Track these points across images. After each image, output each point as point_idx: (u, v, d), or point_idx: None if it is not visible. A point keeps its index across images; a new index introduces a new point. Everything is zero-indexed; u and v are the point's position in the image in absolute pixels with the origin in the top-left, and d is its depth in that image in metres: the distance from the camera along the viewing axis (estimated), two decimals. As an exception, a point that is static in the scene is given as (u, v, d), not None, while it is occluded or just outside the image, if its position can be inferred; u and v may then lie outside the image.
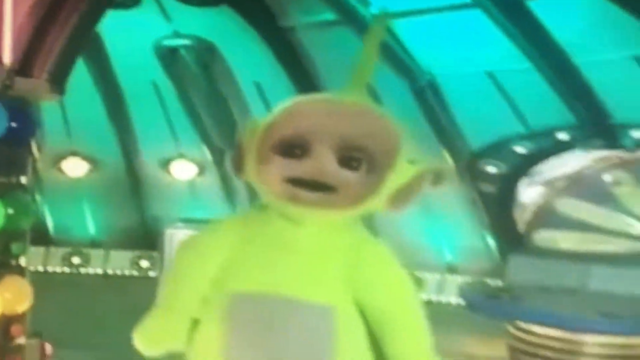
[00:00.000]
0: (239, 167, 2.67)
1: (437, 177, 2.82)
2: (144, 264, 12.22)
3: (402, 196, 2.61)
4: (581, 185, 10.05)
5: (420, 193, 2.64)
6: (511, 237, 10.44)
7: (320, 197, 2.51)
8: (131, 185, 12.45)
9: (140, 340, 2.73)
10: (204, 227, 2.82)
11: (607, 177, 9.99)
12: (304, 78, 9.84)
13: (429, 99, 10.29)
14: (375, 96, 10.47)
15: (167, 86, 11.72)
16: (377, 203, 2.58)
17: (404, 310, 2.68)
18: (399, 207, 2.62)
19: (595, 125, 9.44)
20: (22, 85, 3.84)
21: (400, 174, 2.56)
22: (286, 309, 2.52)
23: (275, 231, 2.60)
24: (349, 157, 2.51)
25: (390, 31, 9.69)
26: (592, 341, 6.80)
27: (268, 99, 10.59)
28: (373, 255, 2.68)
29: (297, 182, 2.51)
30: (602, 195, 9.87)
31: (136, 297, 9.51)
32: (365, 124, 2.56)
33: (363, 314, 2.64)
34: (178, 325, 2.68)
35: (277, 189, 2.54)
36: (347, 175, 2.51)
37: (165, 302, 2.73)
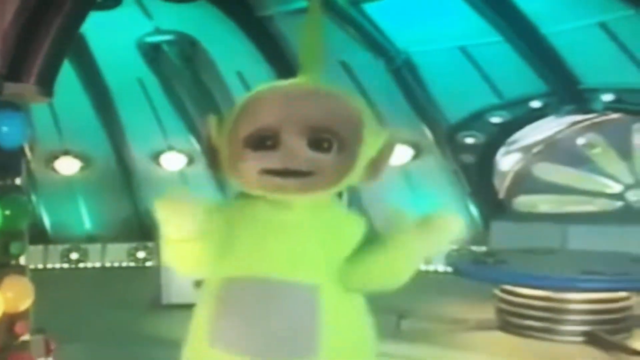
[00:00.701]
0: (213, 164, 2.66)
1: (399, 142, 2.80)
2: (141, 255, 12.20)
3: (376, 167, 2.64)
4: (556, 150, 10.17)
5: (390, 160, 2.67)
6: (492, 204, 10.61)
7: (297, 183, 2.52)
8: (123, 179, 12.47)
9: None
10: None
11: (581, 140, 10.17)
12: (283, 64, 9.80)
13: (406, 76, 10.39)
14: (354, 78, 10.62)
15: (152, 81, 11.76)
16: (353, 178, 2.59)
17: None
18: (375, 177, 2.65)
19: (566, 91, 9.57)
20: (11, 90, 3.75)
21: (370, 147, 2.58)
22: (272, 291, 2.52)
23: (261, 215, 2.60)
24: (319, 140, 2.52)
25: (363, 14, 9.88)
26: (575, 298, 6.86)
27: (251, 87, 10.65)
28: (348, 228, 2.68)
29: (272, 172, 2.52)
30: (576, 158, 10.00)
31: (135, 287, 9.62)
32: (327, 105, 2.57)
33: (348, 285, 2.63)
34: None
35: (254, 182, 2.55)
36: (320, 157, 2.52)
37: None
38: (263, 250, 2.58)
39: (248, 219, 2.62)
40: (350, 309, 2.63)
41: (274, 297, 2.52)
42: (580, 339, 6.72)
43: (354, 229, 2.67)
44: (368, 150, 2.58)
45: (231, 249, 2.59)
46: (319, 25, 2.78)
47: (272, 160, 2.51)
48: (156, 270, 8.85)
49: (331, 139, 2.53)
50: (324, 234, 2.62)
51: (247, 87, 10.78)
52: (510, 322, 7.16)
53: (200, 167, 11.80)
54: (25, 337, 3.87)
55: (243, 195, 2.66)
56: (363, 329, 2.69)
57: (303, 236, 2.60)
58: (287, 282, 2.53)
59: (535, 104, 9.95)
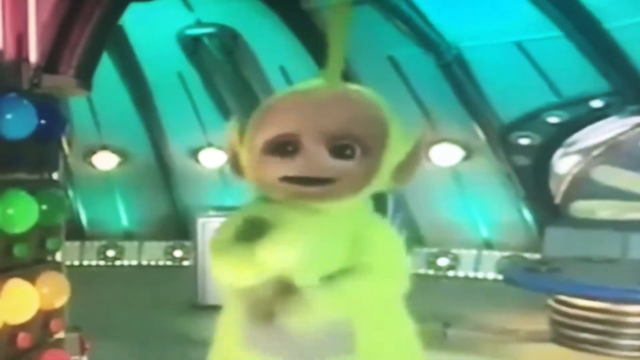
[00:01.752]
0: (235, 169, 2.71)
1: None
2: (178, 253, 12.29)
3: (404, 172, 2.63)
4: (617, 153, 10.02)
5: (420, 164, 2.65)
6: (548, 209, 10.44)
7: (317, 190, 2.52)
8: (162, 176, 12.52)
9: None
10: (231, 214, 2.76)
11: (644, 143, 9.92)
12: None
13: (456, 73, 10.18)
14: (402, 73, 10.50)
15: (192, 75, 11.72)
16: (380, 183, 2.59)
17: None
18: (403, 182, 2.66)
19: (630, 90, 9.30)
20: (49, 82, 3.80)
21: (396, 151, 2.57)
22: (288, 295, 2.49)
23: (288, 218, 2.55)
24: (340, 146, 2.51)
25: (412, 6, 9.65)
26: (634, 311, 6.73)
27: (293, 83, 10.53)
28: (369, 239, 2.63)
29: (292, 179, 2.53)
30: (638, 162, 9.81)
31: (171, 286, 9.69)
32: (348, 111, 2.56)
33: None
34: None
35: (274, 188, 2.57)
36: (342, 164, 2.51)
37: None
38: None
39: (275, 222, 2.55)
40: (384, 311, 2.64)
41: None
42: (638, 354, 6.60)
43: (375, 239, 2.64)
44: (393, 155, 2.58)
45: None
46: (343, 30, 2.69)
47: (292, 167, 2.53)
48: (193, 270, 8.89)
49: (353, 145, 2.52)
50: (349, 239, 2.58)
51: (289, 82, 10.66)
52: (564, 334, 7.05)
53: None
54: (60, 334, 3.89)
55: (266, 199, 2.66)
56: (401, 329, 2.72)
57: (332, 239, 2.57)
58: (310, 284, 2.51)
59: (597, 103, 9.67)
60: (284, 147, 2.52)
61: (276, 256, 2.49)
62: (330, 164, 2.51)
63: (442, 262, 11.07)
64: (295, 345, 2.51)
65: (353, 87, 2.72)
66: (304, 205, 2.55)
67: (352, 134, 2.51)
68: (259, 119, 2.61)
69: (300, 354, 2.53)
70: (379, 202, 2.78)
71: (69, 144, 4.16)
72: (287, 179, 2.52)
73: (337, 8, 2.76)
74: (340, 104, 2.57)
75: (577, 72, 9.37)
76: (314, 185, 2.52)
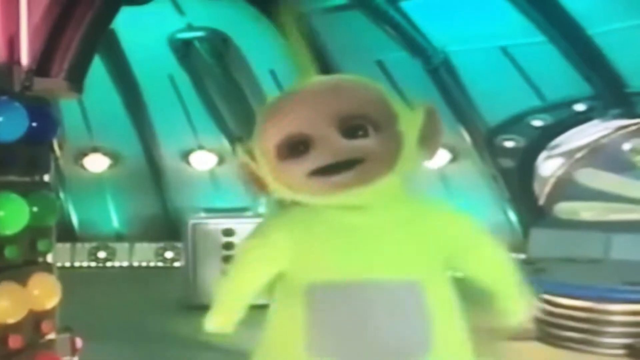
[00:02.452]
0: (263, 190, 2.57)
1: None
2: (169, 255, 12.24)
3: (429, 139, 2.49)
4: (600, 155, 9.98)
5: (441, 128, 2.54)
6: (532, 211, 10.43)
7: (354, 174, 2.39)
8: (152, 178, 12.51)
9: (212, 328, 2.69)
10: (253, 234, 2.69)
11: (626, 146, 9.92)
12: (317, 63, 9.81)
13: (443, 77, 10.25)
14: (390, 77, 10.51)
15: (183, 78, 11.76)
16: (411, 157, 2.46)
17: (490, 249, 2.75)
18: (433, 150, 2.52)
19: (612, 94, 9.39)
20: (40, 85, 3.74)
21: (409, 122, 2.46)
22: (373, 293, 2.42)
23: (335, 221, 2.49)
24: (351, 128, 2.41)
25: (400, 11, 9.71)
26: (617, 310, 6.76)
27: (283, 86, 10.59)
28: (436, 221, 2.60)
29: (321, 172, 2.40)
30: (621, 164, 9.80)
31: (162, 287, 9.66)
32: (348, 93, 2.48)
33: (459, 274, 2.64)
34: (241, 314, 2.66)
35: (305, 189, 2.46)
36: (362, 143, 2.40)
37: (228, 302, 2.69)
38: (351, 254, 2.46)
39: (320, 228, 2.52)
40: (454, 303, 2.58)
41: (377, 299, 2.42)
42: (621, 351, 6.58)
43: (444, 221, 2.62)
44: (409, 126, 2.46)
45: (309, 258, 2.50)
46: (298, 35, 2.66)
47: (315, 160, 2.40)
48: (184, 271, 8.89)
49: (363, 124, 2.42)
50: (410, 231, 2.51)
51: (279, 86, 10.69)
52: (549, 332, 7.05)
53: (231, 168, 11.74)
54: (51, 335, 3.84)
55: (302, 208, 2.57)
56: (464, 325, 2.63)
57: (389, 235, 2.49)
58: (387, 281, 2.44)
59: (579, 107, 9.78)
60: (296, 147, 2.42)
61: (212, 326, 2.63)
62: (349, 145, 2.39)
63: (430, 262, 11.07)
64: (369, 347, 2.40)
65: (340, 75, 2.70)
66: (345, 205, 2.46)
67: (359, 112, 2.42)
68: (261, 130, 2.52)
69: (376, 356, 2.41)
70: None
71: (60, 146, 4.11)
72: (315, 173, 2.39)
73: (285, 14, 2.69)
74: (338, 89, 2.51)
75: (560, 77, 9.44)
76: (343, 170, 2.38)
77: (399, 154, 2.42)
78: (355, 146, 2.39)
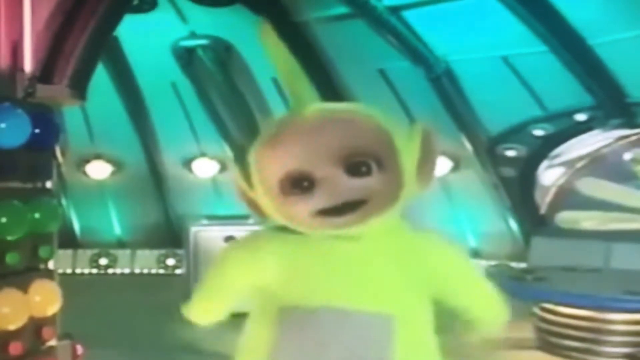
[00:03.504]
0: (259, 213, 2.54)
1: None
2: (170, 262, 12.25)
3: (425, 169, 2.46)
4: (601, 165, 10.01)
5: (437, 154, 2.50)
6: (533, 219, 10.46)
7: (355, 216, 2.39)
8: (155, 185, 12.51)
9: (190, 316, 2.74)
10: (245, 238, 2.71)
11: (627, 156, 9.95)
12: (319, 72, 9.81)
13: (445, 86, 10.24)
14: (392, 86, 10.54)
15: (186, 86, 11.76)
16: (409, 190, 2.43)
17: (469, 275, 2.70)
18: (428, 180, 2.48)
19: (613, 104, 9.38)
20: (43, 92, 3.78)
21: (408, 152, 2.41)
22: (344, 320, 2.40)
23: (325, 247, 2.48)
24: (355, 164, 2.38)
25: (402, 21, 9.73)
26: (618, 319, 6.79)
27: (285, 95, 10.60)
28: (425, 251, 2.56)
29: (328, 212, 2.38)
30: (622, 174, 9.84)
31: (164, 294, 9.66)
32: (348, 129, 2.42)
33: (440, 305, 2.57)
34: (219, 311, 2.71)
35: (308, 224, 2.43)
36: (365, 182, 2.38)
37: (207, 293, 2.74)
38: (331, 282, 2.45)
39: (306, 251, 2.50)
40: (425, 342, 2.53)
41: (344, 329, 2.39)
42: None
43: (433, 251, 2.57)
44: (408, 156, 2.41)
45: (289, 280, 2.48)
46: (281, 52, 2.63)
47: (320, 199, 2.38)
48: (185, 278, 8.96)
49: (367, 161, 2.38)
50: (398, 262, 2.49)
51: (282, 95, 10.70)
52: (550, 341, 7.10)
53: (232, 175, 11.73)
54: (52, 342, 3.87)
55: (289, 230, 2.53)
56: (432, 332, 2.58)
57: (374, 266, 2.47)
58: (359, 312, 2.40)
59: (581, 117, 9.76)
60: (299, 183, 2.38)
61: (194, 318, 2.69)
62: (354, 185, 2.37)
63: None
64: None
65: (340, 105, 2.59)
66: (341, 235, 2.45)
67: (362, 149, 2.38)
68: (262, 160, 2.45)
69: None
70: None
71: (63, 153, 4.13)
72: (319, 213, 2.39)
73: (261, 34, 2.65)
74: (337, 125, 2.43)
75: (561, 87, 9.43)
76: (348, 211, 2.38)
77: (400, 191, 2.40)
78: (360, 186, 2.38)
